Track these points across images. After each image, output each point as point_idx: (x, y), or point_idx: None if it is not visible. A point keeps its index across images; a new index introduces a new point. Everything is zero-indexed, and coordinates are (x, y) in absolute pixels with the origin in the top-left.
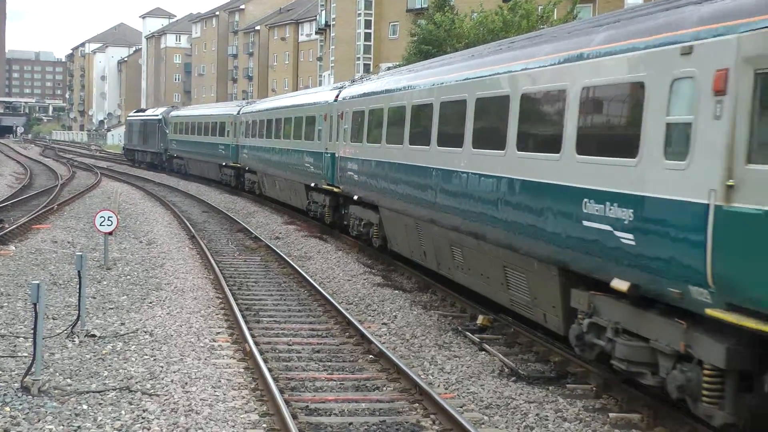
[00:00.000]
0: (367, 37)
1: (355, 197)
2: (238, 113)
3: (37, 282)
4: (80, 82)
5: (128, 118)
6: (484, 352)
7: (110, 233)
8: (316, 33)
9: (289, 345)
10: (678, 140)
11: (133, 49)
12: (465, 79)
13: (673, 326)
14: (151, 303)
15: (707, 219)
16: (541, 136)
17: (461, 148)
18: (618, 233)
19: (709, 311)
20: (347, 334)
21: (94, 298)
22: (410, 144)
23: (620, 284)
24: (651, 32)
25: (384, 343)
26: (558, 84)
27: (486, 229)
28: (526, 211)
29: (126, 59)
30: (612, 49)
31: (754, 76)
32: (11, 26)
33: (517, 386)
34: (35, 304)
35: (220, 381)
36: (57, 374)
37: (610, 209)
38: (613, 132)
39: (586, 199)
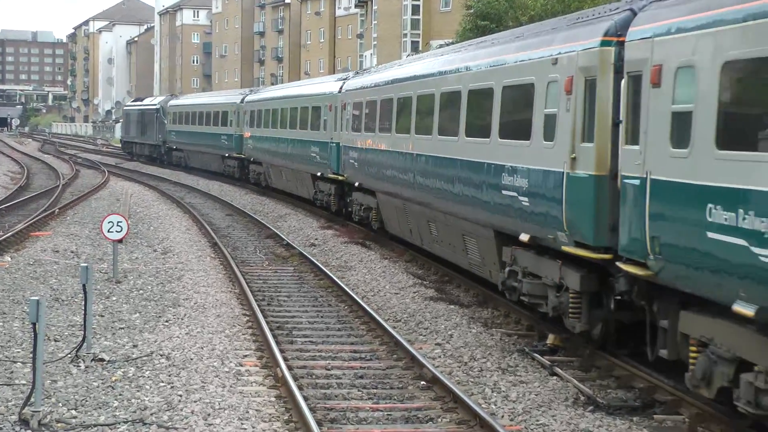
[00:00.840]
0: (415, 10)
1: (356, 184)
2: (242, 102)
3: (37, 298)
4: (84, 67)
5: (125, 108)
6: (555, 377)
7: (120, 241)
8: (356, 6)
9: (328, 369)
10: (549, 127)
11: (145, 27)
12: (432, 75)
13: (554, 265)
14: (167, 321)
15: (563, 182)
16: (478, 124)
17: (431, 135)
18: (521, 198)
19: (564, 248)
20: (395, 356)
21: (102, 316)
22: (396, 133)
23: (524, 237)
24: (539, 46)
25: (438, 366)
26: (487, 83)
27: (448, 204)
28: (471, 185)
29: (136, 39)
30: (518, 57)
31: (584, 82)
32: (4, 2)
33: (595, 417)
34: (34, 324)
35: (247, 412)
36: (60, 405)
37: (516, 180)
38: (518, 121)
39: (504, 173)
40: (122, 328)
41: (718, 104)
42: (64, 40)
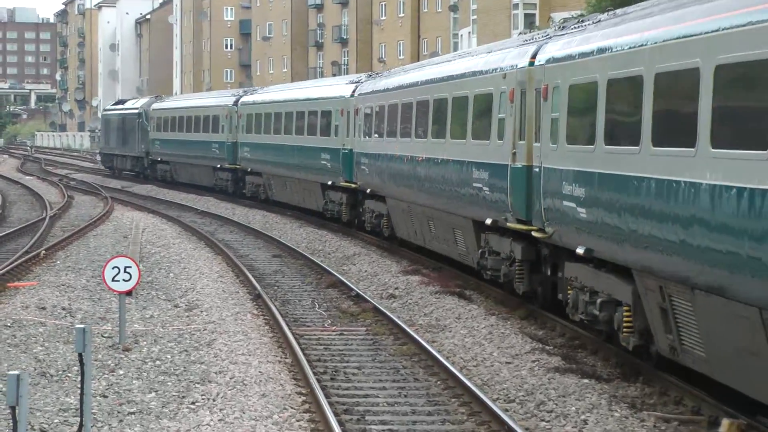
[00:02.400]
0: None
1: (368, 191)
2: (235, 104)
3: (16, 372)
4: (78, 56)
5: (104, 114)
6: None
7: (128, 293)
8: None
9: None
10: (500, 129)
11: (159, 1)
12: (426, 82)
13: (507, 242)
14: (194, 404)
15: (507, 172)
16: (458, 128)
17: (425, 139)
18: (484, 188)
19: (509, 225)
20: None
21: (105, 396)
22: (400, 137)
23: (488, 221)
24: (496, 63)
25: None
26: (464, 91)
27: (440, 201)
28: (454, 183)
29: (148, 17)
30: (482, 69)
31: (520, 93)
32: None
33: None
34: (13, 408)
35: None
36: None
37: (481, 174)
38: (481, 124)
39: (473, 169)
40: (132, 413)
41: (568, 113)
42: (52, 20)
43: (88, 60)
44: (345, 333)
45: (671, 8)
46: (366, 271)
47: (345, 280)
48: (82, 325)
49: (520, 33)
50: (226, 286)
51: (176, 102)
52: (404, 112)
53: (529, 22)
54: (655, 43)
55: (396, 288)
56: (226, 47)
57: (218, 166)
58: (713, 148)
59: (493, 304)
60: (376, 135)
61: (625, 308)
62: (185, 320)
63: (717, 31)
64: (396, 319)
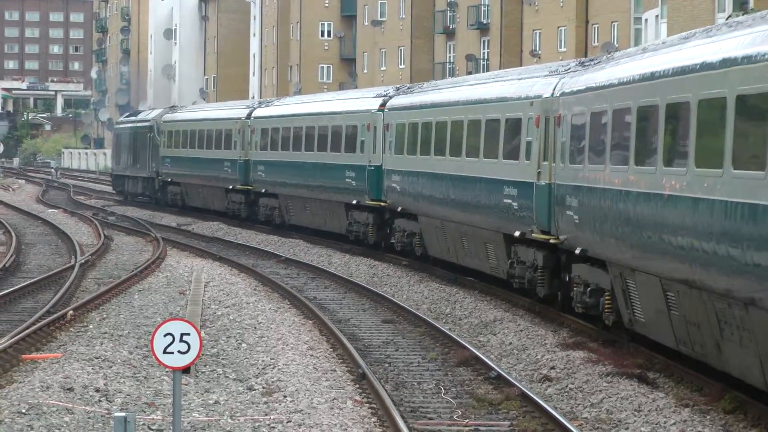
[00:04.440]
0: None
1: (399, 209)
2: (248, 117)
3: (123, 414)
4: (121, 46)
5: (116, 127)
6: None
7: (186, 370)
8: None
9: None
10: (527, 150)
11: None
12: (462, 102)
13: (531, 251)
14: None
15: (533, 190)
16: (481, 147)
17: (459, 157)
18: (513, 203)
19: (534, 236)
20: None
21: None
22: (435, 155)
23: (517, 234)
24: (525, 90)
25: None
26: (497, 114)
27: (474, 217)
28: (487, 199)
29: None
30: (513, 96)
31: (544, 119)
32: None
33: None
34: None
35: None
36: None
37: (511, 190)
38: (512, 146)
39: (504, 186)
40: None
41: (570, 138)
42: None
43: (135, 52)
44: (482, 429)
45: (620, 62)
46: (511, 343)
47: (482, 356)
48: (123, 414)
49: (728, 16)
50: (319, 362)
51: (188, 114)
52: (439, 130)
53: (740, 2)
54: (612, 85)
55: (552, 368)
56: (323, 35)
57: (230, 187)
58: (636, 165)
59: (686, 391)
60: (410, 152)
61: (606, 294)
62: (262, 408)
63: (678, 73)
64: (552, 411)
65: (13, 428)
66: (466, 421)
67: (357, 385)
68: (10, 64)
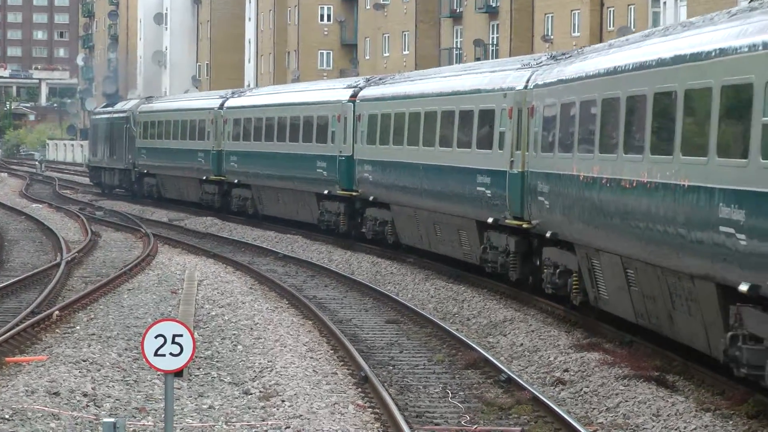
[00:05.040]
0: None
1: (370, 198)
2: (221, 108)
3: (111, 420)
4: (109, 31)
5: (93, 118)
6: None
7: (178, 373)
8: None
9: None
10: (501, 140)
11: None
12: (435, 94)
13: (503, 237)
14: None
15: (506, 178)
16: (454, 137)
17: (432, 147)
18: (486, 191)
19: (507, 222)
20: None
21: None
22: (408, 145)
23: (490, 220)
24: (499, 82)
25: None
26: (470, 106)
27: (446, 205)
28: (460, 188)
29: None
30: (486, 87)
31: (517, 111)
32: None
33: None
34: None
35: None
36: None
37: (484, 179)
38: (485, 136)
39: (478, 174)
40: None
41: (542, 128)
42: None
43: (123, 37)
44: None
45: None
46: (522, 344)
47: (491, 358)
48: (112, 419)
49: (750, 0)
50: (319, 364)
51: (163, 104)
52: (412, 121)
53: None
54: (580, 79)
55: (566, 370)
56: (322, 19)
57: (204, 178)
58: (600, 153)
59: (707, 394)
60: (382, 142)
61: (574, 275)
62: (259, 414)
63: (632, 70)
64: (565, 416)
65: None
66: (475, 426)
67: (359, 389)
68: None
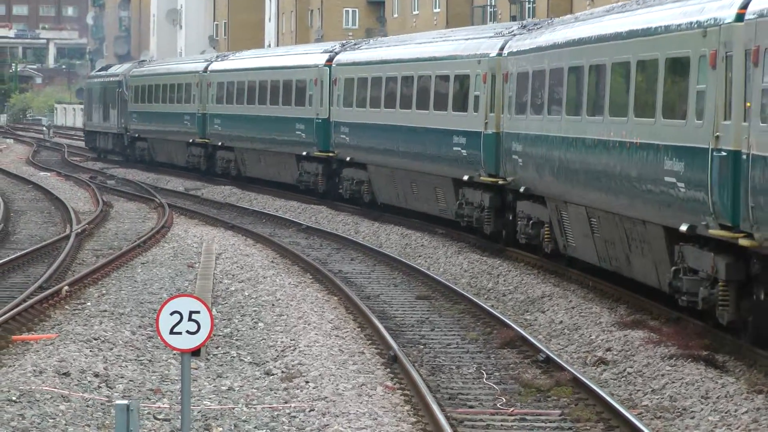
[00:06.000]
0: None
1: (347, 159)
2: (205, 71)
3: (125, 402)
4: None
5: (87, 81)
6: None
7: (196, 352)
8: None
9: None
10: (476, 103)
11: None
12: (411, 60)
13: (479, 193)
14: None
15: (481, 138)
16: (431, 100)
17: (409, 110)
18: (462, 150)
19: (482, 179)
20: None
21: None
22: (385, 108)
23: (465, 178)
24: (473, 49)
25: None
26: (446, 71)
27: (423, 164)
28: (437, 148)
29: None
30: (461, 54)
31: (491, 76)
32: None
33: None
34: None
35: None
36: None
37: (459, 139)
38: (461, 99)
39: (453, 135)
40: None
41: (516, 92)
42: None
43: None
44: (529, 419)
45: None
46: (561, 321)
47: (528, 336)
48: (125, 401)
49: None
50: (345, 343)
51: (153, 67)
52: (388, 84)
53: None
54: (550, 48)
55: (608, 349)
56: None
57: (191, 141)
58: (567, 115)
59: (760, 375)
60: (359, 105)
61: (545, 226)
62: (282, 395)
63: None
64: (608, 398)
65: (2, 417)
66: (512, 409)
67: (388, 369)
68: None
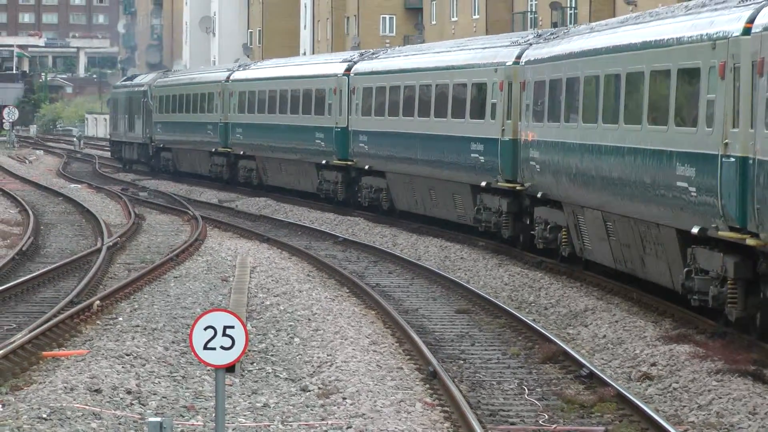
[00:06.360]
0: None
1: (366, 167)
2: (227, 80)
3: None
4: None
5: (114, 91)
6: None
7: (230, 368)
8: None
9: None
10: (493, 111)
11: None
12: (428, 69)
13: (496, 199)
14: None
15: (498, 144)
16: (449, 108)
17: (428, 118)
18: (480, 157)
19: (499, 185)
20: None
21: None
22: (403, 116)
23: (483, 184)
24: (490, 58)
25: None
26: (464, 79)
27: (442, 171)
28: (455, 155)
29: None
30: (479, 63)
31: (508, 84)
32: None
33: None
34: None
35: None
36: None
37: (478, 146)
38: (478, 107)
39: (471, 143)
40: None
41: (533, 101)
42: None
43: (168, 2)
44: None
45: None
46: (604, 335)
47: (571, 351)
48: (158, 419)
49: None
50: (383, 358)
51: (177, 77)
52: (407, 93)
53: None
54: (566, 58)
55: (653, 364)
56: None
57: (213, 150)
58: (583, 122)
59: None
60: (377, 114)
61: (563, 230)
62: (318, 412)
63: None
64: (653, 414)
65: None
66: (554, 426)
67: (427, 385)
68: (26, 18)
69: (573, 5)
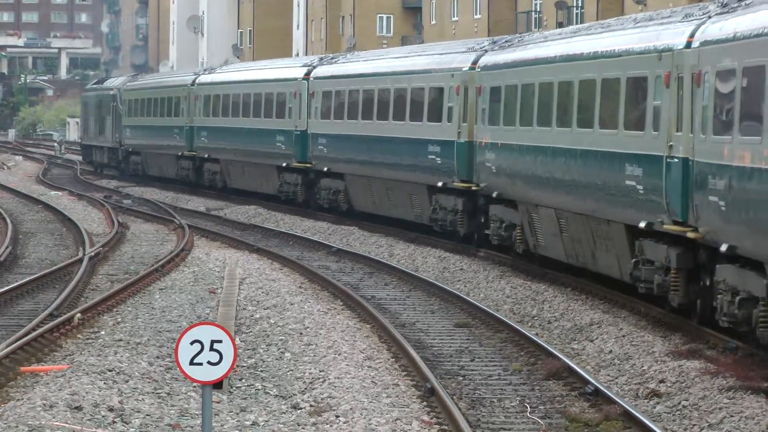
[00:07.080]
0: None
1: (325, 169)
2: (193, 84)
3: None
4: None
5: (84, 94)
6: None
7: (218, 384)
8: None
9: None
10: (449, 114)
11: None
12: (387, 73)
13: (452, 198)
14: None
15: (454, 147)
16: (407, 112)
17: (386, 121)
18: (436, 159)
19: (455, 185)
20: None
21: None
22: (362, 119)
23: (440, 184)
24: (446, 63)
25: None
26: (421, 84)
27: (399, 172)
28: (412, 157)
29: None
30: (435, 68)
31: (464, 89)
32: None
33: None
34: None
35: None
36: None
37: (435, 148)
38: (433, 110)
39: (429, 144)
40: None
41: (489, 104)
42: None
43: (154, 1)
44: None
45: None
46: (611, 351)
47: (576, 367)
48: None
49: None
50: (378, 374)
51: (146, 81)
52: (366, 97)
53: None
54: (521, 64)
55: (662, 381)
56: None
57: (180, 153)
58: (538, 126)
59: None
60: (336, 117)
61: (517, 228)
62: (310, 431)
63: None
64: None
65: None
66: None
67: (424, 403)
68: (5, 17)
69: (579, 4)
